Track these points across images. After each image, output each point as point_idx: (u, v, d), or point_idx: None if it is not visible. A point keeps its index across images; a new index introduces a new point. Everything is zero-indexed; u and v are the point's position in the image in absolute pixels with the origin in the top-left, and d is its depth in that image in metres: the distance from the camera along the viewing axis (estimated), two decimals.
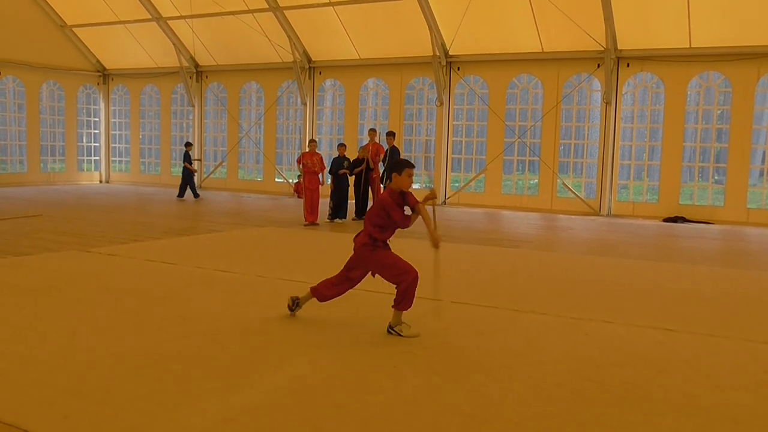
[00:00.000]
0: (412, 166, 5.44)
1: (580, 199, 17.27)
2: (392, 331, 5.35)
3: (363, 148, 14.40)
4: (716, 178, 16.83)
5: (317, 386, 4.14)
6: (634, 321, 6.01)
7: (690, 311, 6.53)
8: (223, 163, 22.50)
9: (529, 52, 17.22)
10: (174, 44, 21.35)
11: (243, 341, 5.08)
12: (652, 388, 4.30)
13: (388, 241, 5.56)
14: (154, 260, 8.50)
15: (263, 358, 4.68)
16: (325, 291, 5.67)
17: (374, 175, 14.33)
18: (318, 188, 13.27)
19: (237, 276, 7.64)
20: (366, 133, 15.39)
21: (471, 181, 18.47)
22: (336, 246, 10.70)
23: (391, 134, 14.51)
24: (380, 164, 14.25)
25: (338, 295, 5.71)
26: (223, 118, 22.51)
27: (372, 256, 5.42)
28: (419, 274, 5.35)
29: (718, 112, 16.48)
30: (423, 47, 17.85)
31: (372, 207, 5.62)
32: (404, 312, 5.38)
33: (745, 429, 3.72)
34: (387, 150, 14.22)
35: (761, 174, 16.88)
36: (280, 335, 5.30)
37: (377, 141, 14.62)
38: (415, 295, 5.34)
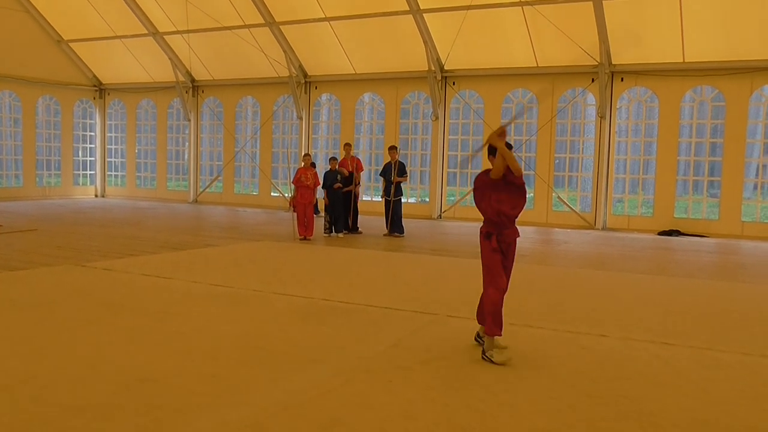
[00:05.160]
0: (510, 147, 5.26)
1: (575, 212, 17.32)
2: (484, 357, 5.10)
3: (340, 164, 14.32)
4: (710, 191, 16.89)
5: (313, 401, 4.14)
6: (631, 335, 6.02)
7: (686, 325, 6.55)
8: (219, 177, 22.52)
9: (523, 67, 17.32)
10: (170, 59, 21.42)
11: (239, 357, 5.08)
12: (648, 402, 4.31)
13: (495, 235, 5.35)
14: (150, 275, 8.50)
15: (260, 373, 4.68)
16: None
17: (356, 190, 14.42)
18: (312, 203, 13.28)
19: (233, 290, 7.64)
20: (389, 146, 15.21)
21: (467, 194, 18.51)
22: (331, 260, 10.72)
23: (393, 148, 14.56)
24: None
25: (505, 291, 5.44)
26: (219, 132, 22.54)
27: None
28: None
29: (712, 125, 16.58)
30: (418, 62, 17.95)
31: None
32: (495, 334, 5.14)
33: None
34: (394, 164, 14.23)
35: (755, 187, 16.97)
36: (276, 350, 5.30)
37: (353, 155, 14.82)
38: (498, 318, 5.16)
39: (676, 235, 15.66)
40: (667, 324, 6.55)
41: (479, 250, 5.46)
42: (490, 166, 5.31)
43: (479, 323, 5.51)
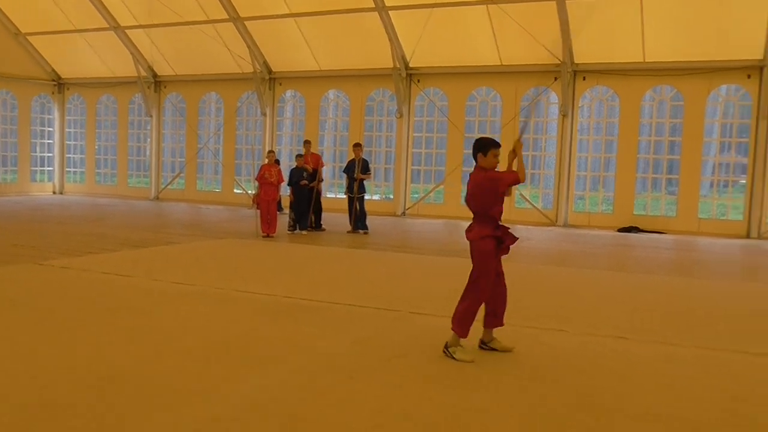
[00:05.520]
0: (498, 146, 5.16)
1: (538, 209, 17.51)
2: (446, 352, 5.12)
3: (301, 159, 14.22)
4: (669, 189, 17.21)
5: (275, 399, 4.13)
6: (591, 330, 6.11)
7: (646, 320, 6.66)
8: (181, 174, 22.27)
9: (488, 65, 17.44)
10: (132, 54, 21.10)
11: (200, 355, 5.03)
12: (608, 395, 4.37)
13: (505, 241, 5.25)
14: (109, 273, 8.38)
15: (221, 371, 4.64)
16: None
17: (318, 187, 14.41)
18: (275, 200, 13.22)
19: (195, 288, 7.57)
20: (353, 144, 15.05)
21: (430, 192, 18.59)
22: (294, 257, 10.69)
23: (358, 145, 14.52)
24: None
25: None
26: (182, 128, 22.29)
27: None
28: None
29: (671, 124, 16.88)
30: (383, 59, 17.95)
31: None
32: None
33: None
34: (358, 161, 14.21)
35: (711, 185, 17.33)
36: (238, 348, 5.26)
37: (314, 152, 14.81)
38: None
39: (635, 232, 15.92)
40: (628, 320, 6.65)
41: (471, 254, 5.25)
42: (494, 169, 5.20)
43: (485, 327, 5.39)
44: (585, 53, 16.35)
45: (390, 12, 16.99)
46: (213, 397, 4.10)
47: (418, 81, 18.44)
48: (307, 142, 14.87)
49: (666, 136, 16.85)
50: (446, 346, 5.16)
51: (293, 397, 4.17)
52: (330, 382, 4.50)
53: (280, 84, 20.36)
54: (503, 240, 5.19)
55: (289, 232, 13.72)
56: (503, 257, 5.34)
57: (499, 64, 17.30)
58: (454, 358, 5.06)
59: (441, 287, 8.20)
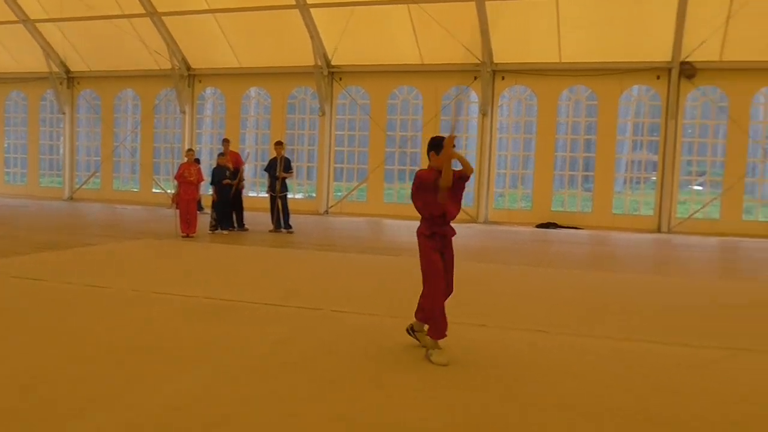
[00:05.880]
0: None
1: None
2: (429, 359, 5.01)
3: (223, 158, 14.08)
4: (585, 185, 17.78)
5: (196, 402, 4.05)
6: (508, 324, 6.24)
7: (561, 313, 6.84)
8: (97, 173, 21.56)
9: (409, 64, 17.59)
10: (43, 48, 20.30)
11: (118, 358, 4.88)
12: (522, 386, 4.48)
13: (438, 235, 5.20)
14: (20, 277, 8.03)
15: (140, 375, 4.51)
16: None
17: (239, 186, 14.26)
18: (195, 199, 12.98)
19: (111, 291, 7.34)
20: (274, 142, 14.73)
21: (353, 190, 18.62)
22: (215, 258, 10.51)
23: (279, 144, 14.36)
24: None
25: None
26: (97, 126, 21.61)
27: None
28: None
29: (586, 123, 17.42)
30: (305, 57, 17.85)
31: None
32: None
33: (609, 424, 3.94)
34: (280, 159, 14.07)
35: (625, 182, 17.99)
36: (157, 351, 5.13)
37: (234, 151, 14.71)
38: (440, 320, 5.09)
39: (554, 228, 16.37)
40: (544, 313, 6.82)
41: (418, 250, 5.25)
42: (428, 166, 5.20)
43: (417, 319, 5.34)
44: (504, 53, 16.70)
45: (311, 9, 16.92)
46: (132, 402, 3.98)
47: (340, 79, 18.43)
48: (226, 141, 14.64)
49: (582, 135, 17.38)
50: (427, 355, 5.09)
51: (215, 399, 4.10)
52: (253, 382, 4.44)
53: (200, 81, 19.99)
54: (438, 234, 5.19)
55: (210, 232, 13.48)
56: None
57: (421, 63, 17.47)
58: (431, 361, 5.00)
59: (364, 285, 8.23)
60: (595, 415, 4.05)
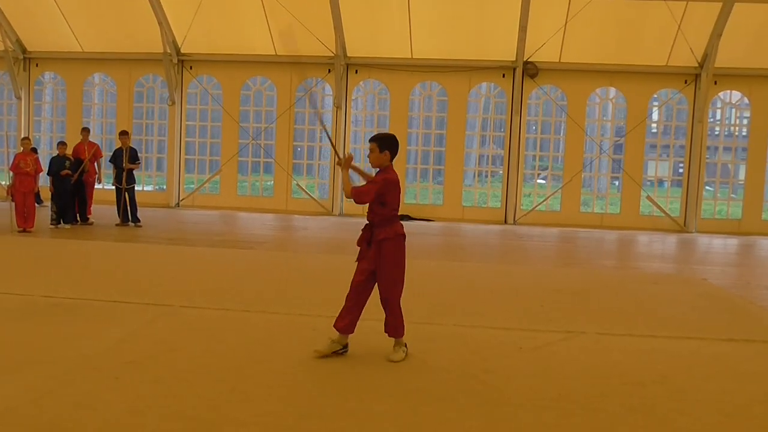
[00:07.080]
0: (371, 140, 5.34)
1: (314, 199, 17.76)
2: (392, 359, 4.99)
3: (74, 150, 13.44)
4: (436, 179, 18.32)
5: (28, 406, 3.81)
6: (365, 315, 6.31)
7: (408, 302, 7.01)
8: None
9: (263, 54, 17.33)
10: None
11: None
12: (365, 376, 4.57)
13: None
14: None
15: None
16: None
17: (90, 178, 13.59)
18: (32, 191, 12.18)
19: None
20: (119, 131, 13.98)
21: (206, 182, 18.13)
22: (56, 254, 9.93)
23: (125, 133, 13.72)
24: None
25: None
26: None
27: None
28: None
29: (437, 118, 17.95)
30: (153, 43, 17.13)
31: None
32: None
33: (448, 406, 4.10)
34: (125, 150, 13.45)
35: (474, 175, 18.71)
36: None
37: (91, 141, 14.01)
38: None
39: (407, 220, 16.74)
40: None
41: (356, 252, 5.32)
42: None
43: (388, 335, 5.12)
44: (357, 47, 16.85)
45: None
46: None
47: (191, 68, 17.88)
48: (85, 130, 13.97)
49: (433, 129, 17.91)
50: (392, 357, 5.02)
51: (51, 403, 3.88)
52: (92, 383, 4.24)
53: (37, 65, 18.69)
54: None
55: (51, 226, 12.68)
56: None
57: (274, 54, 17.28)
58: (393, 361, 4.96)
59: (214, 279, 8.05)
60: (434, 399, 4.21)
